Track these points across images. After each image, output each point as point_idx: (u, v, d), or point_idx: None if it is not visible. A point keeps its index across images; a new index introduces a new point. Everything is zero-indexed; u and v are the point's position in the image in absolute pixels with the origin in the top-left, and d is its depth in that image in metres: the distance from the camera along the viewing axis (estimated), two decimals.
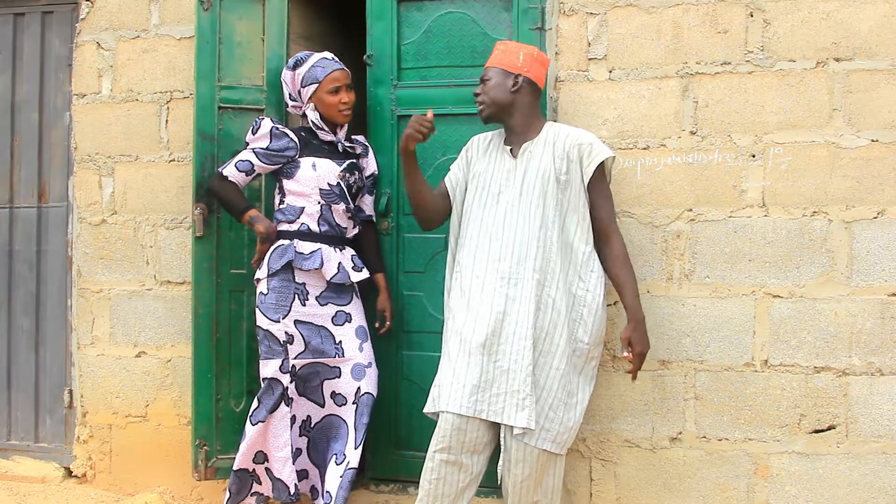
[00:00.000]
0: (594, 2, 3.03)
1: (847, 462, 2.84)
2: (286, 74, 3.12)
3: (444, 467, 2.64)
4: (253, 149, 3.04)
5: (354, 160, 3.14)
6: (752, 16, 2.90)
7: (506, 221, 2.69)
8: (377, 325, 3.16)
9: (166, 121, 3.50)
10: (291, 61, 3.10)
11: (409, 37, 3.23)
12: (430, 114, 2.72)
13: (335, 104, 3.07)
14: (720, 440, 2.93)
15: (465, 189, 2.84)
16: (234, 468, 3.03)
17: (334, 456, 3.06)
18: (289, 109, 3.20)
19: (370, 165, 3.21)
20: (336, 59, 3.12)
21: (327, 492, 3.02)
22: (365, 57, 3.26)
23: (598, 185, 2.74)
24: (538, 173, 2.70)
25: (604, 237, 2.75)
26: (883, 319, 2.81)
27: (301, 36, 3.49)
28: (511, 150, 2.77)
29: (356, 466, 3.00)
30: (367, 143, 3.23)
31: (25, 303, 3.76)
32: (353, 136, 3.21)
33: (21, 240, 3.77)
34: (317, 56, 3.09)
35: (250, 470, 3.04)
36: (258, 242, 3.04)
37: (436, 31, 3.20)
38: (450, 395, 2.63)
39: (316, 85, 3.05)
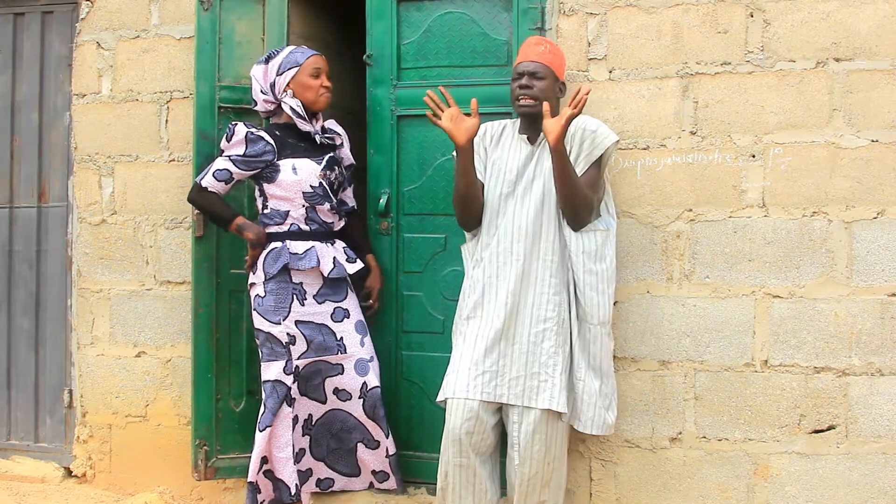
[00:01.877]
0: (594, 2, 3.03)
1: (847, 462, 2.84)
2: (257, 70, 3.05)
3: (459, 471, 2.68)
4: (229, 156, 2.98)
5: (332, 153, 3.11)
6: (752, 16, 2.90)
7: (522, 207, 2.73)
8: (362, 302, 3.16)
9: (166, 121, 3.50)
10: (262, 57, 3.06)
11: (408, 37, 3.23)
12: (473, 104, 2.71)
13: (316, 87, 3.03)
14: (720, 440, 2.93)
15: (484, 176, 2.85)
16: (249, 479, 3.00)
17: (360, 443, 3.11)
18: (256, 108, 3.11)
19: (347, 156, 3.21)
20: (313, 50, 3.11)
21: (380, 471, 3.11)
22: (365, 57, 3.25)
23: (595, 168, 2.75)
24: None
25: None
26: (883, 319, 2.81)
27: (301, 36, 3.49)
28: (528, 137, 2.81)
29: (396, 452, 3.11)
30: (342, 132, 3.20)
31: (25, 303, 3.76)
32: (325, 126, 3.15)
33: (21, 240, 3.77)
34: (291, 46, 3.09)
35: (255, 482, 3.01)
36: (249, 248, 3.03)
37: (435, 30, 3.20)
38: (468, 382, 2.66)
39: (297, 68, 3.00)
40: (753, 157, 2.90)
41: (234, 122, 3.04)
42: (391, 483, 3.13)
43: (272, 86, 3.04)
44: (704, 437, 2.94)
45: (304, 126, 3.04)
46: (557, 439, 2.67)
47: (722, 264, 2.92)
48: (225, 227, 3.07)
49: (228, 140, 3.00)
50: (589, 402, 2.70)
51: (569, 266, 2.73)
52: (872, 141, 2.81)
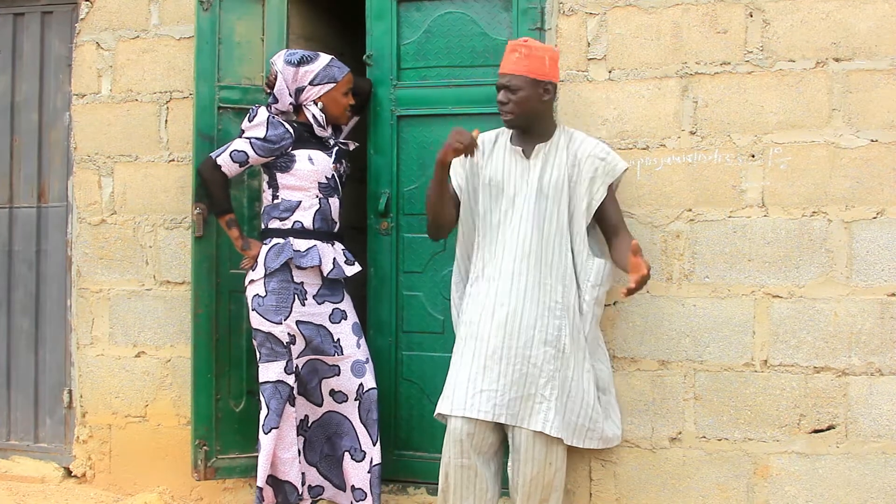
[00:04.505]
0: (594, 2, 3.03)
1: (846, 462, 2.84)
2: (287, 70, 3.01)
3: (461, 472, 2.67)
4: (249, 138, 2.98)
5: (339, 147, 3.15)
6: (751, 16, 2.90)
7: (522, 225, 2.71)
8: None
9: (166, 121, 3.50)
10: (294, 57, 3.02)
11: (408, 37, 3.23)
12: (475, 133, 2.67)
13: (346, 105, 3.09)
14: (720, 440, 2.93)
15: (472, 191, 2.82)
16: (258, 484, 2.96)
17: (347, 452, 3.08)
18: (276, 105, 3.07)
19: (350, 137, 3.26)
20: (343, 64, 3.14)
21: (359, 489, 3.04)
22: (365, 57, 3.25)
23: (610, 192, 2.79)
24: (553, 178, 2.73)
25: (614, 233, 2.78)
26: (882, 319, 2.81)
27: (301, 36, 3.49)
28: (523, 150, 2.77)
29: (380, 462, 3.05)
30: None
31: (25, 303, 3.76)
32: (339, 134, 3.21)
33: (21, 240, 3.78)
34: (325, 56, 3.08)
35: (263, 487, 2.98)
36: (240, 249, 3.06)
37: (435, 31, 3.20)
38: (465, 399, 2.64)
39: (332, 85, 3.03)
40: (753, 156, 2.90)
41: (256, 105, 3.06)
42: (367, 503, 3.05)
43: (298, 90, 3.04)
44: (704, 437, 2.94)
45: (321, 133, 3.08)
46: (558, 440, 2.68)
47: (721, 264, 2.92)
48: (216, 215, 3.08)
49: (250, 121, 3.01)
50: (596, 418, 2.76)
51: (574, 289, 2.73)
52: (872, 141, 2.81)
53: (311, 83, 3.02)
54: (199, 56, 3.24)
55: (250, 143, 2.98)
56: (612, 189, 2.79)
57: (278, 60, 3.05)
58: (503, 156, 2.80)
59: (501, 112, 2.72)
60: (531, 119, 2.73)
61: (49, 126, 3.75)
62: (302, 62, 3.02)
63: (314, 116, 3.04)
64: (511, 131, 2.82)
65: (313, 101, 3.04)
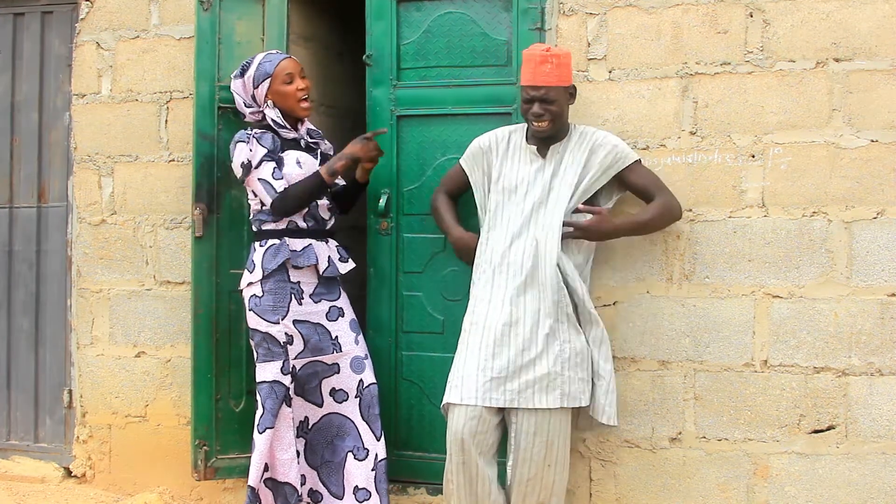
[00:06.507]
0: (594, 2, 3.03)
1: (846, 462, 2.84)
2: (236, 84, 3.04)
3: (462, 469, 2.68)
4: (261, 161, 2.95)
5: (320, 150, 3.13)
6: (751, 16, 2.90)
7: (531, 218, 2.75)
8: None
9: (166, 121, 3.50)
10: (237, 71, 3.04)
11: (408, 37, 3.23)
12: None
13: (293, 93, 3.00)
14: (720, 440, 2.93)
15: (485, 188, 2.90)
16: (250, 483, 2.96)
17: (350, 453, 3.06)
18: (247, 118, 3.08)
19: (329, 149, 3.18)
20: (281, 52, 3.10)
21: (363, 489, 3.02)
22: (364, 57, 3.25)
23: (634, 174, 2.81)
24: (565, 172, 2.77)
25: (645, 199, 2.84)
26: (883, 319, 2.81)
27: (301, 36, 3.49)
28: (538, 149, 2.82)
29: (386, 457, 3.03)
30: (318, 130, 3.17)
31: (25, 303, 3.77)
32: (310, 129, 3.12)
33: (21, 240, 3.78)
34: (260, 55, 3.06)
35: (256, 487, 2.97)
36: (346, 160, 2.96)
37: (435, 31, 3.20)
38: (475, 387, 2.66)
39: (268, 79, 2.99)
40: (753, 157, 2.90)
41: (235, 141, 3.00)
42: (373, 503, 3.02)
43: (254, 98, 3.03)
44: (704, 437, 2.94)
45: (287, 134, 3.03)
46: (559, 441, 2.67)
47: (722, 264, 2.92)
48: (323, 187, 2.97)
49: (243, 154, 2.95)
50: (605, 392, 2.77)
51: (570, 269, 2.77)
52: (872, 141, 2.81)
53: (254, 87, 3.01)
54: (199, 56, 3.24)
55: (263, 161, 2.94)
56: (635, 172, 2.81)
57: (231, 81, 3.07)
58: (518, 155, 2.85)
59: (534, 122, 2.75)
60: (561, 124, 2.79)
61: (49, 126, 3.75)
62: (244, 70, 3.03)
63: (273, 119, 3.01)
64: (524, 128, 2.87)
65: (265, 102, 3.01)
